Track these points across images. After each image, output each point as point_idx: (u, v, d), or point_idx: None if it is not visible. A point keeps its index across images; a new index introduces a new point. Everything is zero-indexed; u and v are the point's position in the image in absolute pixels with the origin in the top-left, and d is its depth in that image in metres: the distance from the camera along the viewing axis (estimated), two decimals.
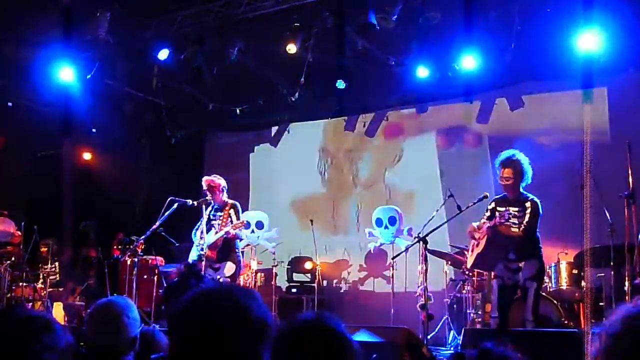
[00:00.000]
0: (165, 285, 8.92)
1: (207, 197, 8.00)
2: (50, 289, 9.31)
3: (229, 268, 7.72)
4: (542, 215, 6.31)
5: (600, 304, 7.12)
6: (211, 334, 1.67)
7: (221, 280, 7.54)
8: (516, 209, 6.29)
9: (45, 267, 9.27)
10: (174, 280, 2.81)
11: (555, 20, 8.38)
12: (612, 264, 6.83)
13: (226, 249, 7.76)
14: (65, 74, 9.23)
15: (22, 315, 2.08)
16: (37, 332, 1.99)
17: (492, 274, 6.71)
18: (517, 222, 6.25)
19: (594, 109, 8.88)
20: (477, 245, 6.54)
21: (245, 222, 7.93)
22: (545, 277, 7.65)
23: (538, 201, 6.33)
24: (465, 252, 7.73)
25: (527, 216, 6.21)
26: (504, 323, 6.30)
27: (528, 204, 6.27)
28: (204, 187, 7.96)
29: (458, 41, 9.03)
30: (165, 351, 3.02)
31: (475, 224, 6.68)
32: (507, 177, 6.37)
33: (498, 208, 6.45)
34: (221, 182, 7.97)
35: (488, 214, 6.56)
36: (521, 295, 6.51)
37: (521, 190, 6.40)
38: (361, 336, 5.81)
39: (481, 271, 7.95)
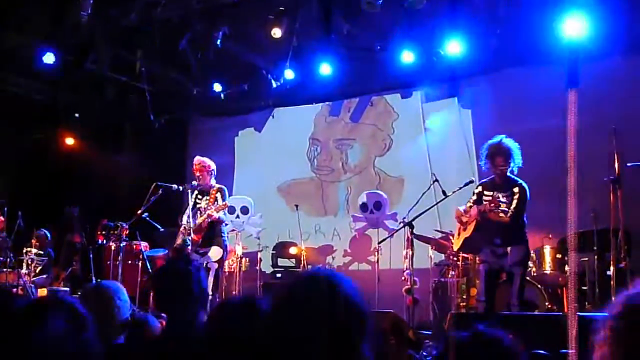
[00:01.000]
0: (151, 270, 8.90)
1: (193, 182, 7.98)
2: (35, 277, 9.25)
3: (216, 252, 7.71)
4: (529, 200, 6.34)
5: (584, 288, 7.22)
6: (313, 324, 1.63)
7: (208, 265, 7.54)
8: (504, 193, 6.31)
9: (30, 252, 9.20)
10: (161, 265, 2.82)
11: (541, 5, 8.42)
12: (595, 248, 6.91)
13: (211, 233, 7.75)
14: (48, 59, 9.12)
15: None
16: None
17: (478, 258, 6.76)
18: (505, 207, 6.27)
19: (578, 95, 8.92)
20: (464, 230, 6.58)
21: (228, 204, 7.90)
22: (529, 262, 7.74)
23: (526, 186, 6.35)
24: (451, 237, 7.79)
25: (515, 202, 6.23)
26: (491, 307, 6.37)
27: (516, 189, 6.29)
28: (195, 167, 7.90)
29: (443, 26, 9.05)
30: (153, 334, 3.03)
31: (461, 208, 6.73)
32: (501, 165, 6.38)
33: (485, 192, 6.48)
34: (212, 164, 7.96)
35: (475, 197, 6.59)
36: (507, 279, 6.57)
37: (509, 174, 6.43)
38: None
39: (466, 256, 8.01)
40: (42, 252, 9.41)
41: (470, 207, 6.58)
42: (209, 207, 7.65)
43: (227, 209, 7.94)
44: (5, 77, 10.30)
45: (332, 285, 1.73)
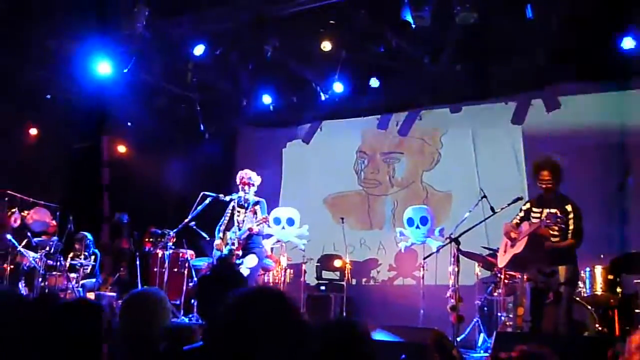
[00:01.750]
0: (195, 279, 8.99)
1: (238, 193, 8.06)
2: (83, 280, 9.42)
3: (251, 260, 7.77)
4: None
5: (637, 311, 6.99)
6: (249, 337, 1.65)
7: (242, 271, 7.61)
8: (554, 210, 6.12)
9: (79, 257, 9.38)
10: (206, 273, 2.84)
11: (595, 20, 8.25)
12: None
13: (249, 244, 7.82)
14: (103, 68, 9.36)
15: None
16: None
17: (525, 277, 6.59)
18: (557, 226, 6.07)
19: (631, 110, 8.73)
20: (513, 246, 6.42)
21: (267, 217, 7.95)
22: (579, 282, 7.53)
23: (577, 204, 6.18)
24: (497, 254, 7.63)
25: (572, 221, 6.05)
26: (537, 327, 6.20)
27: (569, 208, 6.10)
28: (241, 180, 7.97)
29: (495, 40, 8.95)
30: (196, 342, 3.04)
31: (509, 224, 6.57)
32: (546, 180, 6.23)
33: (533, 209, 6.32)
34: (258, 179, 8.05)
35: (522, 214, 6.44)
36: (554, 299, 6.38)
37: (558, 191, 6.26)
38: (384, 335, 5.77)
39: (513, 274, 7.84)
40: (86, 254, 9.52)
41: (517, 224, 6.42)
42: (248, 221, 7.72)
43: (267, 222, 7.97)
44: (62, 85, 10.58)
45: (273, 301, 1.74)
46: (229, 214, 7.99)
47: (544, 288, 6.32)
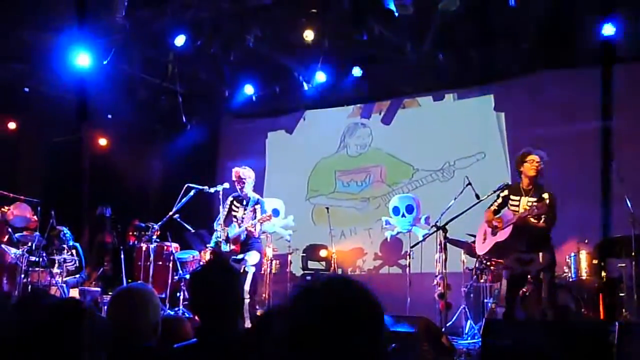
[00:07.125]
0: (180, 272, 8.93)
1: (223, 184, 8.03)
2: (67, 276, 9.29)
3: (255, 257, 7.79)
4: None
5: (621, 294, 7.05)
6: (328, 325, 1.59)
7: (246, 269, 7.59)
8: (533, 199, 6.23)
9: (62, 252, 9.24)
10: (200, 269, 2.79)
11: (577, 6, 8.28)
12: (633, 254, 6.75)
13: (249, 240, 7.81)
14: (82, 60, 9.21)
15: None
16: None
17: (503, 264, 6.69)
18: (545, 215, 6.17)
19: (613, 96, 8.77)
20: (494, 234, 6.49)
21: (271, 215, 7.95)
22: (565, 267, 7.61)
23: (553, 194, 6.31)
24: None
25: (550, 209, 6.15)
26: (511, 313, 6.29)
27: (546, 196, 6.20)
28: (234, 178, 7.96)
29: (477, 28, 8.95)
30: (187, 338, 2.99)
31: (490, 211, 6.63)
32: (537, 163, 6.28)
33: (512, 197, 6.41)
34: (251, 174, 8.00)
35: (500, 201, 6.52)
36: (535, 287, 6.47)
37: (538, 181, 6.38)
38: None
39: (499, 260, 7.88)
40: (65, 247, 9.35)
41: (496, 210, 6.50)
42: (248, 220, 7.69)
43: (270, 219, 7.95)
44: (40, 77, 10.43)
45: (351, 289, 1.69)
46: (227, 209, 7.96)
47: (522, 275, 6.43)
